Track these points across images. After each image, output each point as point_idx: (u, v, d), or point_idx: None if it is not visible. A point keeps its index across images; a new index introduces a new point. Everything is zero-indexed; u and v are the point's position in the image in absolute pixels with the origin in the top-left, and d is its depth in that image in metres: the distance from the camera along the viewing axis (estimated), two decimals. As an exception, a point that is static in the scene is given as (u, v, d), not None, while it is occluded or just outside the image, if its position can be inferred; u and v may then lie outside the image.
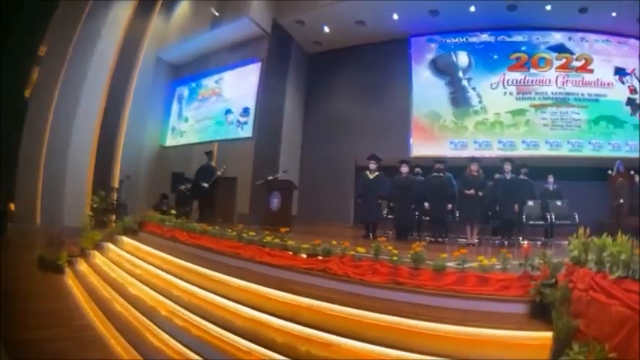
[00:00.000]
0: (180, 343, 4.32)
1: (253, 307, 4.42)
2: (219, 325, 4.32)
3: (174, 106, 17.05)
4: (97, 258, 8.56)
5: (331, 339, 3.67)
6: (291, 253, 5.60)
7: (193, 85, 16.56)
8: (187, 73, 16.80)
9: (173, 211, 10.37)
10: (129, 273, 6.85)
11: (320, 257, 5.21)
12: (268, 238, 6.16)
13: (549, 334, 3.21)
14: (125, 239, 8.81)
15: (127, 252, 8.05)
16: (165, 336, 4.56)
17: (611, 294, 2.95)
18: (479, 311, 3.87)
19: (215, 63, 15.70)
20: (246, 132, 14.03)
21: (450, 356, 3.23)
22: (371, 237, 8.84)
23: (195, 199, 11.52)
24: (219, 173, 11.17)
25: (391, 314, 3.78)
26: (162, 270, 6.37)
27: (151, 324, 4.91)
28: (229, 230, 7.14)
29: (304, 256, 5.42)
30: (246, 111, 14.19)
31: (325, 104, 15.53)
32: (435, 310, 3.92)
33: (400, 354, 3.34)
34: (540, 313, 3.58)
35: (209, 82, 15.96)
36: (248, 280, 5.03)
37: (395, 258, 4.66)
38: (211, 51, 15.53)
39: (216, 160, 12.95)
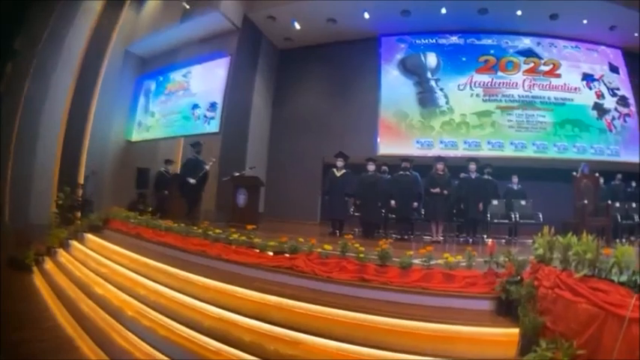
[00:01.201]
0: (148, 344, 4.22)
1: (220, 306, 4.37)
2: (187, 325, 4.25)
3: (141, 100, 16.58)
4: (63, 256, 8.34)
5: (299, 337, 3.66)
6: (257, 250, 5.57)
7: (161, 78, 16.15)
8: (155, 66, 16.34)
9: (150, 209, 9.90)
10: (95, 272, 6.66)
11: (287, 255, 5.20)
12: (235, 236, 6.10)
13: (516, 331, 3.32)
14: (91, 237, 8.60)
15: (93, 250, 7.85)
16: (133, 337, 4.44)
17: (578, 292, 3.03)
18: (445, 308, 3.98)
19: (184, 56, 15.37)
20: (213, 127, 13.72)
21: (417, 353, 3.26)
22: (338, 234, 8.86)
23: (182, 196, 9.96)
24: (207, 167, 9.99)
25: (358, 311, 3.82)
26: (128, 269, 6.23)
27: (118, 325, 4.79)
28: (195, 228, 7.04)
29: (271, 253, 5.40)
30: (213, 106, 13.89)
31: (294, 101, 15.43)
32: (402, 306, 3.96)
33: (368, 351, 3.37)
34: (506, 310, 3.72)
35: (177, 76, 15.60)
36: (215, 279, 4.97)
37: (362, 255, 4.69)
38: (181, 44, 15.19)
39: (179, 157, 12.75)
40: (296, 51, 15.55)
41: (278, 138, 15.30)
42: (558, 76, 14.06)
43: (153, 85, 16.33)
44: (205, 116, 13.97)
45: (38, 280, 7.62)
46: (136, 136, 16.14)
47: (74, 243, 8.65)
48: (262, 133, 15.22)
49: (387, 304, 4.04)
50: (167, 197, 11.10)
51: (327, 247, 5.07)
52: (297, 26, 14.22)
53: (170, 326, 4.37)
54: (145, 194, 13.18)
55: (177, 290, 5.01)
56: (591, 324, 2.80)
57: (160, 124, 15.61)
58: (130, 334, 4.49)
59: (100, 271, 6.61)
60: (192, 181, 9.54)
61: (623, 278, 2.89)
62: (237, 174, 10.54)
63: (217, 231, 6.49)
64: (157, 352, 4.04)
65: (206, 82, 14.47)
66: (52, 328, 5.21)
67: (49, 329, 5.14)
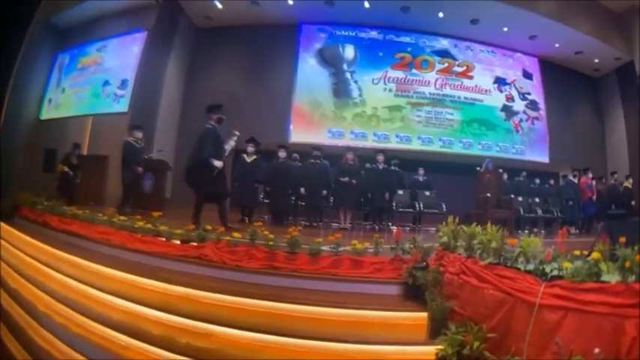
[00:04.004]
0: (62, 341, 3.99)
1: (128, 299, 4.11)
2: (97, 320, 3.95)
3: (55, 76, 15.29)
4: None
5: (210, 328, 3.53)
6: (164, 239, 5.30)
7: (75, 52, 14.99)
8: (73, 39, 15.03)
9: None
10: (7, 263, 6.12)
11: (194, 243, 4.99)
12: (140, 224, 5.76)
13: (424, 315, 3.46)
14: (3, 225, 7.74)
15: (4, 239, 7.09)
16: (48, 335, 4.17)
17: (484, 278, 3.21)
18: (355, 293, 4.02)
19: (101, 29, 14.31)
20: (122, 106, 13.01)
21: (329, 339, 3.29)
22: (247, 221, 8.70)
23: (198, 187, 6.82)
24: (233, 144, 7.35)
25: (269, 300, 3.74)
26: (37, 260, 5.73)
27: (34, 322, 4.48)
28: (100, 215, 6.55)
29: (178, 242, 5.15)
30: (124, 83, 13.17)
31: (207, 82, 14.78)
32: (312, 293, 3.98)
33: (280, 339, 3.33)
34: (413, 295, 3.80)
35: (91, 50, 14.57)
36: (121, 270, 4.63)
37: (271, 243, 4.59)
38: (100, 16, 14.09)
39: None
40: (215, 30, 15.00)
41: (188, 120, 14.35)
42: (471, 77, 14.77)
43: (67, 59, 15.20)
44: (115, 94, 13.25)
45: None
46: (45, 114, 15.03)
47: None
48: (173, 113, 14.59)
49: (297, 291, 4.02)
50: (140, 177, 9.16)
51: (236, 234, 4.95)
52: (219, 5, 13.73)
53: (82, 322, 4.06)
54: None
55: (86, 283, 4.66)
56: (500, 309, 2.96)
57: (69, 101, 14.50)
58: (44, 331, 4.26)
59: (11, 263, 6.11)
60: (218, 164, 6.63)
61: (530, 267, 3.05)
62: (144, 157, 10.04)
63: (122, 218, 6.13)
64: (72, 350, 3.84)
65: (120, 57, 13.67)
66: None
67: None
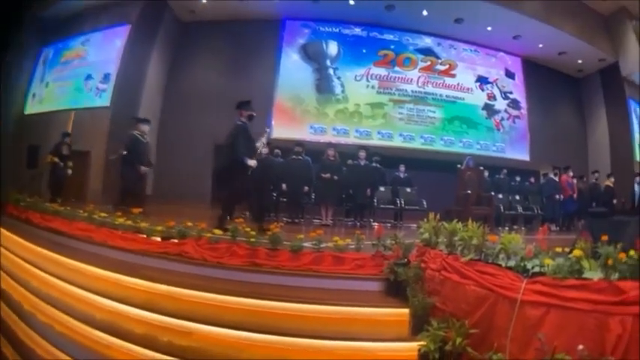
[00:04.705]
0: (48, 341, 3.92)
1: (110, 297, 4.04)
2: (79, 319, 3.89)
3: (39, 70, 15.00)
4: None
5: (192, 327, 3.49)
6: (144, 236, 5.21)
7: (60, 46, 14.73)
8: (58, 33, 14.72)
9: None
10: None
11: (175, 240, 4.91)
12: (120, 220, 5.69)
13: (406, 311, 3.45)
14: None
15: None
16: (33, 334, 4.11)
17: (465, 275, 3.22)
18: (336, 290, 4.01)
19: (86, 23, 14.11)
20: (104, 100, 12.82)
21: (311, 336, 3.27)
22: (228, 218, 8.60)
23: (230, 188, 6.44)
24: (264, 141, 7.09)
25: (251, 297, 3.71)
26: (22, 258, 5.63)
27: (20, 321, 4.42)
28: (81, 211, 6.44)
29: (159, 239, 5.07)
30: (107, 77, 12.98)
31: (190, 77, 14.74)
32: (294, 290, 3.94)
33: (262, 337, 3.31)
34: (395, 291, 3.79)
35: (75, 44, 14.33)
36: (102, 268, 4.55)
37: (252, 239, 4.57)
38: (85, 9, 13.88)
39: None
40: (199, 25, 14.80)
41: (170, 115, 14.45)
42: (453, 76, 14.89)
43: (51, 53, 14.95)
44: (97, 88, 13.05)
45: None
46: (29, 109, 14.73)
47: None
48: (154, 109, 14.24)
49: (278, 287, 4.00)
50: (144, 178, 8.51)
51: (217, 231, 4.90)
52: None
53: (65, 321, 4.01)
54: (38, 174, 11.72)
55: (67, 281, 4.59)
56: (481, 305, 2.97)
57: (52, 95, 14.27)
58: (30, 331, 4.19)
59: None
60: (252, 162, 6.26)
61: (511, 263, 3.07)
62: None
63: (103, 215, 6.01)
64: (57, 350, 3.77)
65: (103, 51, 13.47)
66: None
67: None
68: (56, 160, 9.92)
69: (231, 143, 6.25)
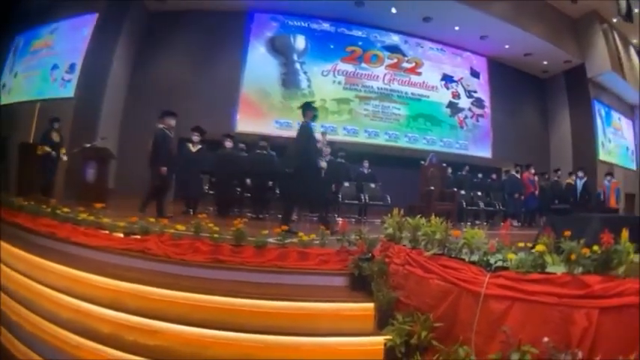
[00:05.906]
0: (20, 341, 3.85)
1: (75, 296, 3.92)
2: (47, 318, 3.78)
3: (10, 59, 14.42)
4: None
5: (157, 325, 3.41)
6: (107, 232, 5.09)
7: (30, 35, 14.19)
8: (30, 21, 14.00)
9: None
10: None
11: (138, 236, 4.78)
12: (82, 215, 5.51)
13: (371, 305, 3.48)
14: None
15: None
16: (7, 334, 4.04)
17: (429, 269, 3.25)
18: (302, 285, 3.99)
19: (56, 11, 13.58)
20: (68, 91, 12.40)
21: (278, 332, 3.26)
22: (191, 213, 8.45)
23: (300, 189, 6.40)
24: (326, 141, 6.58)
25: (215, 294, 3.64)
26: None
27: None
28: (44, 206, 6.25)
29: (121, 235, 4.94)
30: (72, 67, 12.57)
31: (155, 68, 14.39)
32: (259, 286, 3.92)
33: (228, 335, 3.28)
34: (360, 286, 3.81)
35: (44, 32, 13.84)
36: (66, 265, 4.40)
37: (216, 235, 4.49)
38: None
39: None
40: (166, 15, 14.45)
41: (133, 106, 13.96)
42: (419, 74, 15.13)
43: (21, 42, 14.41)
44: (63, 78, 12.63)
45: None
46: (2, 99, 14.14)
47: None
48: (118, 100, 13.96)
49: (244, 284, 3.95)
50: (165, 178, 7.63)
51: (180, 227, 4.80)
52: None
53: (34, 321, 3.89)
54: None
55: (34, 279, 4.46)
56: (445, 299, 3.00)
57: (20, 86, 13.81)
58: (4, 330, 4.09)
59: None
60: (323, 164, 6.38)
61: (474, 258, 3.09)
62: (87, 145, 9.50)
63: (65, 210, 5.86)
64: (31, 350, 3.69)
65: (70, 40, 13.04)
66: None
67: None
68: (48, 149, 9.40)
69: (304, 144, 6.40)
